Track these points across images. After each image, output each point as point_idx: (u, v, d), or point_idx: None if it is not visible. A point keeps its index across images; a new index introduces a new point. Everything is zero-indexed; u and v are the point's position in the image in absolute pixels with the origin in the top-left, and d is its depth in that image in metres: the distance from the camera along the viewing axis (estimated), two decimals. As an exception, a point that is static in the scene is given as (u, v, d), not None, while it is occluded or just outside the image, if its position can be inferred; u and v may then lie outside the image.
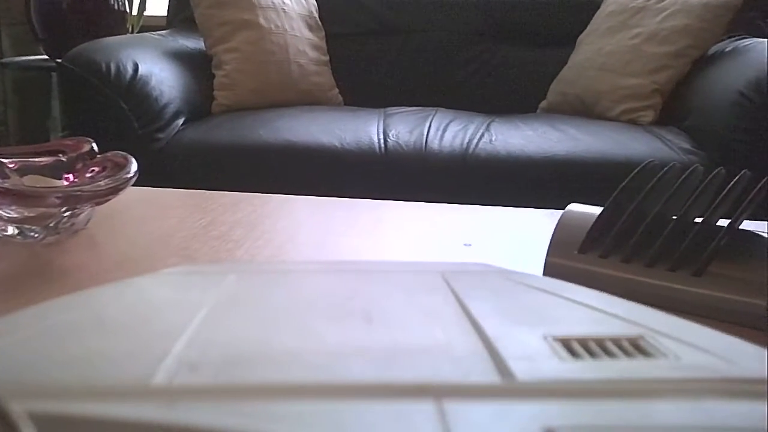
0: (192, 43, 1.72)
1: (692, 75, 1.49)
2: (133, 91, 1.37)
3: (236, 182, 1.27)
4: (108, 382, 0.14)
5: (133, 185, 0.47)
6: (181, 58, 1.60)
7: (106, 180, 0.41)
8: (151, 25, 2.20)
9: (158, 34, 1.72)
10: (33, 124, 2.42)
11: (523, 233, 0.48)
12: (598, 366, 0.15)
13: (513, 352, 0.16)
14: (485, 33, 1.83)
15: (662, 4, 1.53)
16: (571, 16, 1.76)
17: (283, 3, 1.70)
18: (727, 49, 1.48)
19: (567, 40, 1.72)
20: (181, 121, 1.46)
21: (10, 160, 0.46)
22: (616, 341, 0.17)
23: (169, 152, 1.37)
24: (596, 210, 0.37)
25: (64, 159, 0.47)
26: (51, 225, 0.42)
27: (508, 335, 0.17)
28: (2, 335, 0.17)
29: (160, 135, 1.39)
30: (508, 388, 0.14)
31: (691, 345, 0.17)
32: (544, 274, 0.36)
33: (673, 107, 1.49)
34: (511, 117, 1.53)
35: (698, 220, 0.34)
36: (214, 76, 1.63)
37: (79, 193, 0.39)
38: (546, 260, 0.36)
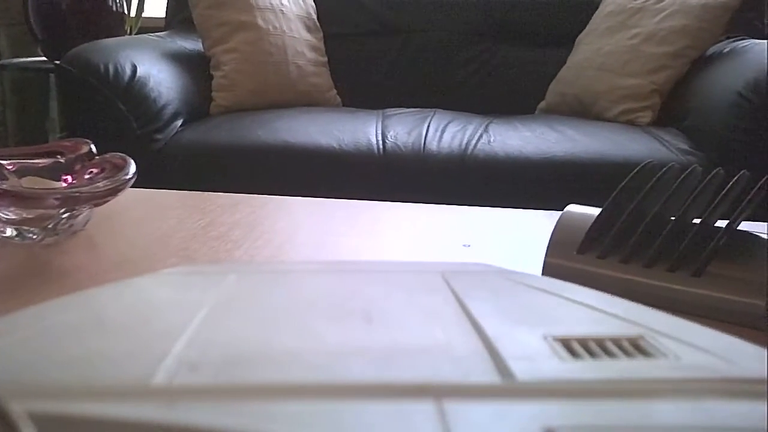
0: (190, 44, 1.72)
1: (691, 75, 1.49)
2: (132, 92, 1.37)
3: (235, 183, 1.27)
4: (108, 382, 0.14)
5: (131, 186, 0.47)
6: (180, 59, 1.60)
7: (105, 181, 0.41)
8: (149, 27, 2.19)
9: (156, 36, 1.72)
10: (31, 126, 2.41)
11: (521, 234, 0.48)
12: (598, 366, 0.15)
13: (513, 352, 0.16)
14: (484, 33, 1.84)
15: (661, 4, 1.54)
16: (571, 16, 1.76)
17: (281, 4, 1.70)
18: (726, 50, 1.49)
19: (566, 41, 1.72)
20: (179, 122, 1.46)
21: (8, 161, 0.46)
22: (616, 341, 0.17)
23: (168, 153, 1.37)
24: (595, 211, 0.37)
25: (62, 160, 0.47)
26: (49, 226, 0.42)
27: (508, 335, 0.17)
28: (2, 335, 0.17)
29: (159, 136, 1.39)
30: (508, 388, 0.14)
31: (691, 345, 0.17)
32: (543, 274, 0.36)
33: (671, 108, 1.49)
34: (510, 118, 1.53)
35: (697, 220, 0.34)
36: (212, 77, 1.63)
37: (77, 194, 0.39)
38: (545, 261, 0.36)
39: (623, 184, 0.36)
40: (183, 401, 0.13)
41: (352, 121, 1.42)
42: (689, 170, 0.36)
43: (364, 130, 1.37)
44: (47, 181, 0.46)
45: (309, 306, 0.20)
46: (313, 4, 1.81)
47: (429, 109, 1.57)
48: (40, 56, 2.08)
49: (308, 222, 0.49)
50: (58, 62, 1.40)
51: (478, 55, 1.83)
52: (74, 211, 0.42)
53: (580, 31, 1.70)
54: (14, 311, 0.19)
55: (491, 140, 1.32)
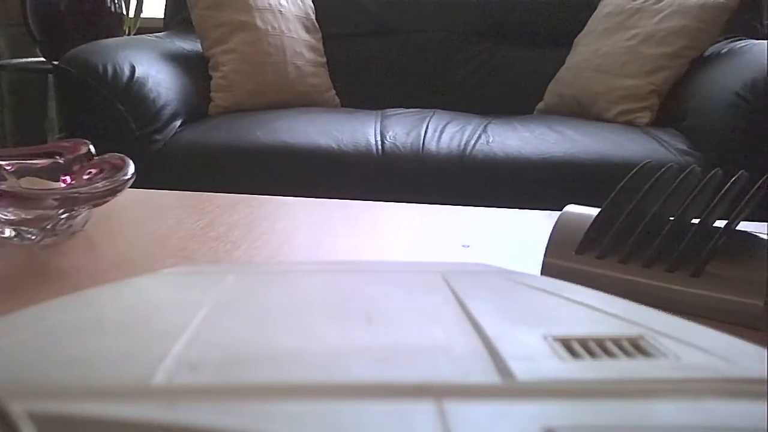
0: (189, 44, 1.72)
1: (689, 76, 1.49)
2: (130, 92, 1.37)
3: (234, 183, 1.26)
4: (108, 382, 0.14)
5: (130, 187, 0.47)
6: (178, 59, 1.60)
7: (104, 182, 0.41)
8: (148, 27, 2.19)
9: (155, 36, 1.71)
10: (30, 126, 2.41)
11: (520, 234, 0.48)
12: (598, 366, 0.15)
13: (513, 352, 0.16)
14: (483, 33, 1.84)
15: (659, 5, 1.54)
16: (570, 16, 1.76)
17: (280, 5, 1.70)
18: (724, 51, 1.49)
19: (565, 41, 1.72)
20: (178, 122, 1.46)
21: (7, 162, 0.46)
22: (616, 341, 0.17)
23: (167, 154, 1.36)
24: (594, 211, 0.37)
25: (61, 161, 0.47)
26: (48, 227, 0.42)
27: (508, 335, 0.17)
28: (2, 335, 0.17)
29: (158, 137, 1.39)
30: (508, 388, 0.14)
31: (691, 345, 0.17)
32: (542, 274, 0.36)
33: (670, 108, 1.49)
34: (509, 118, 1.53)
35: (696, 220, 0.34)
36: (211, 77, 1.63)
37: (76, 195, 0.39)
38: (543, 261, 0.36)
39: (622, 184, 0.36)
40: (183, 401, 0.13)
41: (350, 122, 1.42)
42: (688, 170, 0.36)
43: (363, 131, 1.37)
44: (46, 181, 0.46)
45: (308, 306, 0.20)
46: (312, 4, 1.81)
47: (428, 110, 1.57)
48: (39, 57, 2.08)
49: (307, 222, 0.49)
50: (56, 63, 1.40)
51: (477, 55, 1.83)
52: (73, 212, 0.42)
53: (579, 32, 1.70)
54: (14, 311, 0.19)
55: (490, 140, 1.32)
